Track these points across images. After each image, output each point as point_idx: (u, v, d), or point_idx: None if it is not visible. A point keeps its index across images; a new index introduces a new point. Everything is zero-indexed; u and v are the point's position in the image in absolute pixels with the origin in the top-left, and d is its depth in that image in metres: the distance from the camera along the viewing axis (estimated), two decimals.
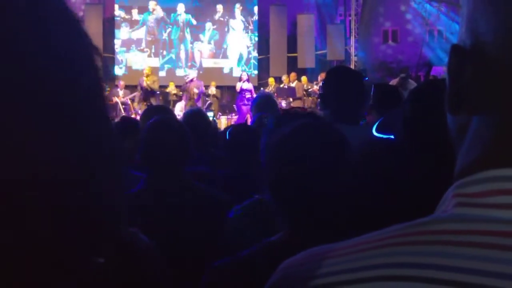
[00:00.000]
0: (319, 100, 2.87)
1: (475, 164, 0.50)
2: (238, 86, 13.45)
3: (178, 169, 2.27)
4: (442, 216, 0.49)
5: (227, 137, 3.06)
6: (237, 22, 16.50)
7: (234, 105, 14.17)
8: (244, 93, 13.27)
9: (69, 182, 0.41)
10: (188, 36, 16.31)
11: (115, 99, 12.89)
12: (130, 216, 0.46)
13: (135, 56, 16.09)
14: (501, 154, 0.48)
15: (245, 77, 13.63)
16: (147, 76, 12.86)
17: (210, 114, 12.09)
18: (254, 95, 12.83)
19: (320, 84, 9.10)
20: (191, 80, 13.46)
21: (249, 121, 11.74)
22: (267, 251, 1.34)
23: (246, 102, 13.05)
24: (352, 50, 16.06)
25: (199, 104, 13.05)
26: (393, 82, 9.84)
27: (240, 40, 16.52)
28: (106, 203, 0.44)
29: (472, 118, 0.51)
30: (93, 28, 15.02)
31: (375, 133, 1.74)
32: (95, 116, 0.45)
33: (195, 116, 3.70)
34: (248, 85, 13.43)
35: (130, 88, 13.93)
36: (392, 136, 1.65)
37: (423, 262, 0.45)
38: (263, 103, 4.36)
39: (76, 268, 0.42)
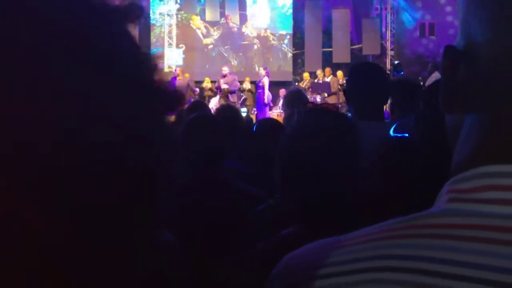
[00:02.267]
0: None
1: (467, 161, 0.52)
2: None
3: (215, 165, 2.27)
4: (435, 211, 0.51)
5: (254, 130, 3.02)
6: (272, 18, 16.43)
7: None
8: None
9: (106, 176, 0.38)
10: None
11: None
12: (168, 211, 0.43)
13: (170, 52, 16.21)
14: (490, 151, 0.50)
15: (262, 72, 13.77)
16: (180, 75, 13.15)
17: (244, 110, 12.14)
18: (266, 91, 13.03)
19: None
20: (224, 76, 13.51)
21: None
22: (282, 244, 1.37)
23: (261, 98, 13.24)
24: (388, 44, 15.84)
25: (232, 99, 13.12)
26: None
27: (275, 36, 16.47)
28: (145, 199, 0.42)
29: (465, 117, 0.54)
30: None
31: (391, 134, 1.74)
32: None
33: (226, 111, 3.70)
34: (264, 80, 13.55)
35: None
36: (406, 135, 1.65)
37: (414, 254, 0.48)
38: (294, 99, 4.33)
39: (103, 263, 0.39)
